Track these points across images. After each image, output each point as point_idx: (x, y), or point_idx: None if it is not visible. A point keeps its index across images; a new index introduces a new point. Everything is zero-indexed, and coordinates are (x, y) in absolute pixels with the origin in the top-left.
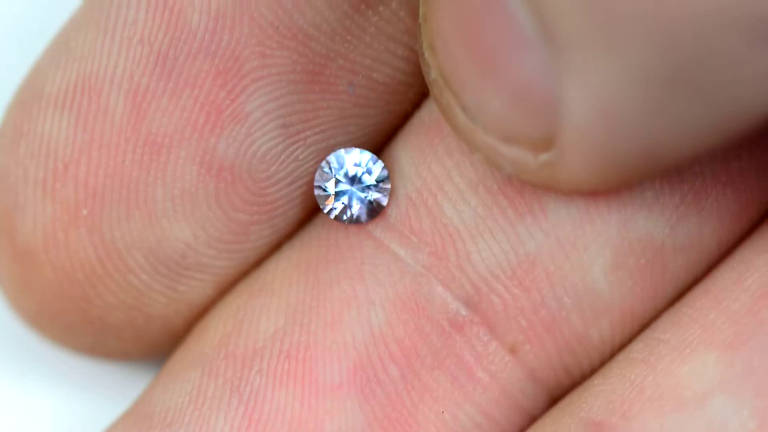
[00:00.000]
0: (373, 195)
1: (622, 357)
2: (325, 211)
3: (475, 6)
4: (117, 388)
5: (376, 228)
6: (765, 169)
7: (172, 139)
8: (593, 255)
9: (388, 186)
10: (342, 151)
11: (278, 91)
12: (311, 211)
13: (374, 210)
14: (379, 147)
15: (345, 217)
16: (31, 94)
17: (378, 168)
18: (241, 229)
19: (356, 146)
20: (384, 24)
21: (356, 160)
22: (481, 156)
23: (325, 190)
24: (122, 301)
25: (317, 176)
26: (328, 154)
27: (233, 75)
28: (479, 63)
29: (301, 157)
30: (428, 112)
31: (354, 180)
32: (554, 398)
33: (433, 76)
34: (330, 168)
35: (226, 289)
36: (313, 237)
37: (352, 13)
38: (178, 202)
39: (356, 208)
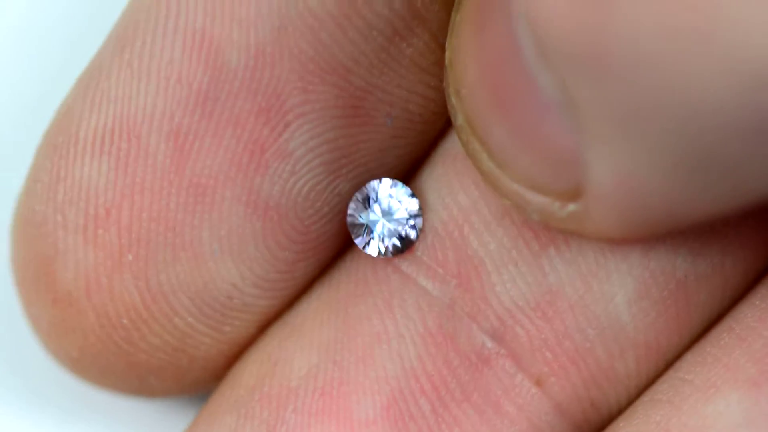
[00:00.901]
0: (405, 229)
1: (647, 398)
2: (356, 240)
3: (496, 61)
4: (155, 427)
5: (403, 262)
6: None
7: (217, 180)
8: (615, 285)
9: (420, 221)
10: (375, 181)
11: (321, 127)
12: (347, 241)
13: (404, 245)
14: (409, 176)
15: (374, 251)
16: (64, 137)
17: (411, 202)
18: (287, 268)
19: (391, 177)
20: (417, 56)
21: (389, 191)
22: (507, 201)
23: (357, 220)
24: (167, 343)
25: (351, 206)
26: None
27: (276, 112)
28: (503, 116)
29: (343, 191)
30: (453, 143)
31: (386, 212)
32: None
33: (459, 122)
34: (363, 199)
35: (268, 326)
36: (342, 274)
37: (387, 45)
38: (225, 244)
39: (387, 242)
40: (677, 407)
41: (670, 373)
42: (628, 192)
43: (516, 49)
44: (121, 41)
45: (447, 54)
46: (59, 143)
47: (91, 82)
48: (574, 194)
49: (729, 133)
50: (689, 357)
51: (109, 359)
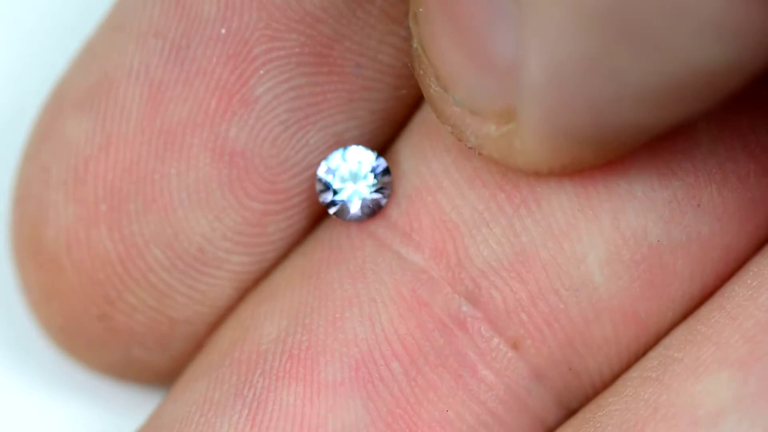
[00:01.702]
0: (374, 194)
1: (635, 374)
2: (324, 204)
3: None
4: (135, 406)
5: (378, 227)
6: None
7: (186, 128)
8: (587, 246)
9: (389, 185)
10: (348, 148)
11: (287, 74)
12: (323, 212)
13: (374, 209)
14: (388, 139)
15: (345, 215)
16: (54, 100)
17: (380, 167)
18: (256, 220)
19: (366, 135)
20: (388, 6)
21: (359, 157)
22: (448, 127)
23: (327, 186)
24: (144, 302)
25: (319, 171)
26: (338, 141)
27: (243, 59)
28: (454, 32)
29: (311, 141)
30: (428, 111)
31: (356, 178)
32: (563, 403)
33: (414, 45)
34: (333, 164)
35: (246, 290)
36: (317, 240)
37: None
38: (193, 191)
39: (356, 206)
40: (666, 385)
41: (660, 350)
42: (554, 88)
43: None
44: (113, 12)
45: None
46: (48, 106)
47: (84, 48)
48: (509, 113)
49: None
50: (679, 334)
51: (91, 325)
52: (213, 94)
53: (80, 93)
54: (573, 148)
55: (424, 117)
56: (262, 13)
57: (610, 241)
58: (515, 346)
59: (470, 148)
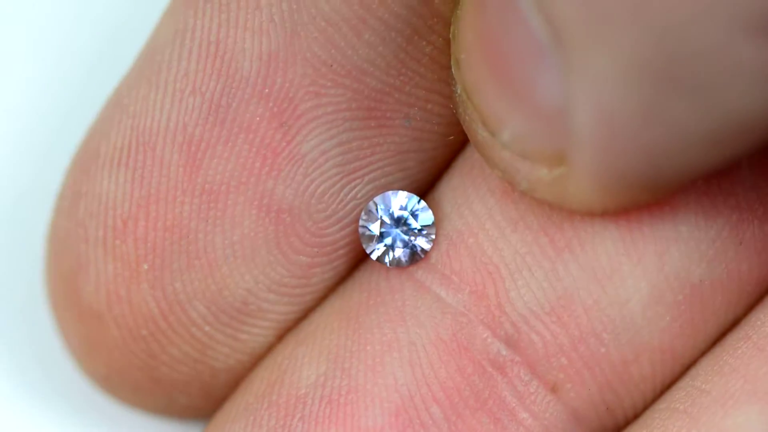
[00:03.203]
0: (418, 240)
1: (663, 406)
2: (368, 251)
3: (495, 22)
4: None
5: (417, 270)
6: None
7: (229, 186)
8: (630, 289)
9: (433, 231)
10: (389, 193)
11: (334, 130)
12: (364, 252)
13: (417, 254)
14: (433, 182)
15: (387, 260)
16: (88, 155)
17: (424, 212)
18: (302, 273)
19: (413, 183)
20: (437, 53)
21: (403, 203)
22: (498, 172)
23: (369, 231)
24: (187, 355)
25: (363, 216)
26: (386, 189)
27: (288, 117)
28: (498, 77)
29: (359, 195)
30: (470, 152)
31: (399, 222)
32: None
33: (458, 91)
34: (376, 209)
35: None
36: (355, 283)
37: (406, 45)
38: (238, 248)
39: (399, 252)
40: (695, 418)
41: (687, 381)
42: (606, 134)
43: (511, 2)
44: (143, 58)
45: (452, 29)
46: (83, 160)
47: (115, 101)
48: (560, 159)
49: (701, 29)
50: (706, 365)
51: (135, 375)
52: (257, 152)
53: (114, 149)
54: (627, 190)
55: (466, 158)
56: (308, 69)
57: (654, 283)
58: (554, 389)
59: (522, 191)
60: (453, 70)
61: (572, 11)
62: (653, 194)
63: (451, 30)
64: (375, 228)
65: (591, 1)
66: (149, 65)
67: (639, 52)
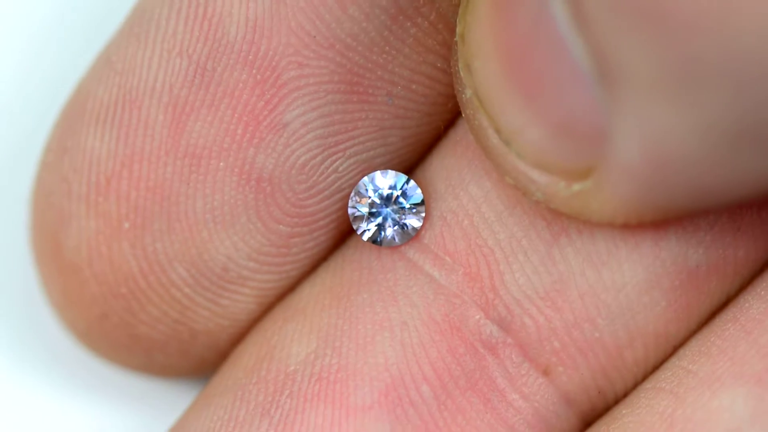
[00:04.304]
0: (408, 218)
1: (649, 386)
2: (359, 232)
3: (523, 33)
4: (160, 409)
5: (410, 249)
6: None
7: (211, 151)
8: (627, 275)
9: (423, 209)
10: (378, 173)
11: (316, 101)
12: (350, 228)
13: (408, 233)
14: (417, 161)
15: (378, 239)
16: (74, 110)
17: (413, 191)
18: (282, 242)
19: (396, 159)
20: (422, 36)
21: (392, 182)
22: (510, 180)
23: (359, 211)
24: (166, 315)
25: (352, 197)
26: (369, 166)
27: (271, 85)
28: (521, 89)
29: (340, 168)
30: (464, 132)
31: (389, 202)
32: (587, 422)
33: (467, 95)
34: (365, 189)
35: (270, 305)
36: (346, 260)
37: (391, 23)
38: (218, 214)
39: (390, 231)
40: (681, 398)
41: (674, 361)
42: (655, 166)
43: (544, 17)
44: (133, 16)
45: (458, 29)
46: (69, 115)
47: (104, 57)
48: (583, 173)
49: None
50: (693, 346)
51: (113, 331)
52: (240, 119)
53: (101, 106)
54: (658, 210)
55: (458, 139)
56: (291, 39)
57: (650, 269)
58: (546, 372)
59: (535, 201)
60: (462, 73)
61: (637, 62)
62: (682, 215)
63: (458, 31)
64: (365, 208)
65: (673, 65)
66: (139, 23)
67: (726, 120)
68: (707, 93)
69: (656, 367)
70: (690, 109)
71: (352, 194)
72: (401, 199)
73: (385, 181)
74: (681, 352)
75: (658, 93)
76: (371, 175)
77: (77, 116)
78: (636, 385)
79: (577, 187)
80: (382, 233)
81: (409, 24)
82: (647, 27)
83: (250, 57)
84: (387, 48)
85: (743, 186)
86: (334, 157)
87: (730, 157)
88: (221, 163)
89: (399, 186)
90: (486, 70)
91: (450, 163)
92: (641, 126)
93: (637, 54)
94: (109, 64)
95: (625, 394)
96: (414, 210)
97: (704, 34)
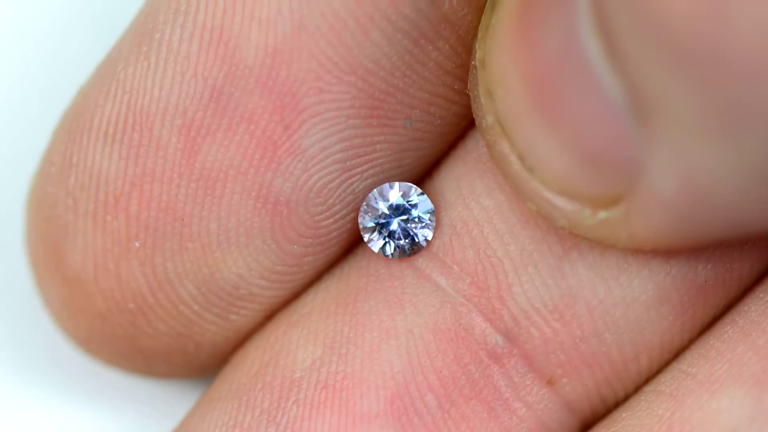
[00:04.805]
0: (419, 228)
1: (649, 389)
2: (369, 243)
3: (550, 61)
4: (160, 409)
5: (418, 257)
6: None
7: (227, 174)
8: (637, 290)
9: (434, 220)
10: (387, 184)
11: (336, 127)
12: (358, 238)
13: (419, 245)
14: (429, 172)
15: (389, 251)
16: (79, 123)
17: (423, 201)
18: (294, 261)
19: (409, 177)
20: (443, 59)
21: (401, 193)
22: (533, 206)
23: (369, 222)
24: (173, 329)
25: (363, 208)
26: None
27: (290, 111)
28: (548, 117)
29: (357, 189)
30: (476, 144)
31: (398, 212)
32: (586, 425)
33: (489, 122)
34: (375, 201)
35: (275, 314)
36: (353, 267)
37: (413, 48)
38: (233, 236)
39: (400, 241)
40: (680, 401)
41: (674, 365)
42: (693, 200)
43: (573, 46)
44: (140, 33)
45: (478, 54)
46: (74, 128)
47: (109, 72)
48: (610, 202)
49: None
50: (693, 350)
51: (116, 342)
52: (258, 144)
53: (108, 123)
54: (688, 241)
55: (469, 150)
56: (313, 65)
57: (660, 285)
58: (550, 382)
59: (560, 227)
60: (483, 100)
61: (677, 101)
62: (713, 244)
63: (478, 57)
64: (375, 219)
65: (714, 105)
66: (148, 42)
67: (757, 150)
68: (751, 135)
69: (658, 374)
70: (732, 150)
71: (363, 206)
72: (411, 210)
73: (394, 192)
74: (681, 356)
75: (698, 131)
76: (381, 187)
77: (83, 130)
78: (636, 390)
79: (603, 215)
80: (392, 244)
81: (430, 48)
82: (689, 66)
83: (270, 83)
84: (408, 72)
85: None
86: (351, 180)
87: (762, 184)
88: (237, 187)
89: (409, 196)
90: (509, 98)
91: (461, 173)
92: (679, 160)
93: (676, 92)
94: (116, 80)
95: (626, 399)
96: (425, 220)
97: (751, 77)
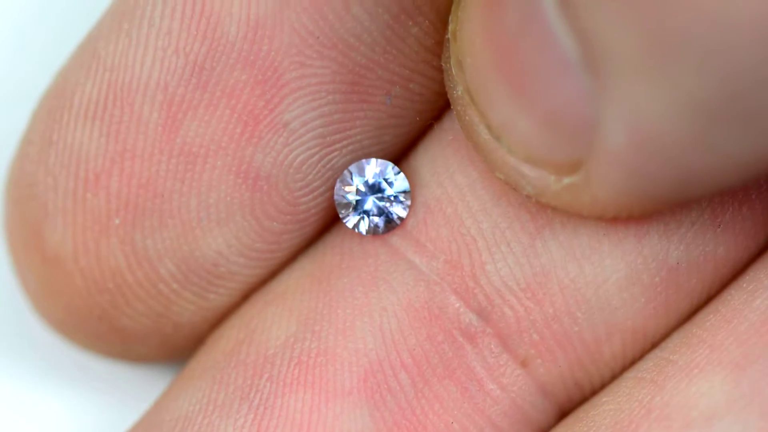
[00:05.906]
0: (394, 207)
1: (630, 375)
2: (344, 219)
3: (513, 27)
4: (135, 392)
5: (392, 236)
6: None
7: (208, 150)
8: (608, 269)
9: (409, 198)
10: (364, 161)
11: (317, 101)
12: (335, 217)
13: (393, 221)
14: (406, 151)
15: (363, 228)
16: (59, 101)
17: (400, 179)
18: (273, 238)
19: (388, 154)
20: (423, 35)
21: (377, 170)
22: (501, 175)
23: (344, 199)
24: (151, 309)
25: (338, 184)
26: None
27: (271, 85)
28: (511, 83)
29: (336, 165)
30: (451, 123)
31: (374, 190)
32: (563, 412)
33: (458, 92)
34: (351, 177)
35: (252, 292)
36: (328, 245)
37: (393, 23)
38: (213, 212)
39: (374, 219)
40: (660, 386)
41: (655, 353)
42: (641, 151)
43: (534, 10)
44: (121, 11)
45: (451, 27)
46: (54, 107)
47: (89, 49)
48: (573, 167)
49: (763, 71)
50: (675, 338)
51: (94, 322)
52: (239, 119)
53: (89, 101)
54: (647, 202)
55: (445, 128)
56: (294, 39)
57: (632, 265)
58: (524, 363)
59: (527, 196)
60: (453, 70)
61: (620, 44)
62: (672, 205)
63: (450, 29)
64: (350, 196)
65: (649, 41)
66: (129, 19)
67: (699, 91)
68: (679, 66)
69: (633, 362)
70: (667, 87)
71: (338, 182)
72: (386, 187)
73: (370, 169)
74: (663, 344)
75: (639, 74)
76: (357, 163)
77: (63, 109)
78: (613, 378)
79: (567, 180)
80: (367, 221)
81: (410, 23)
82: (627, 4)
83: (251, 57)
84: (388, 47)
85: (727, 169)
86: (330, 156)
87: (710, 135)
88: (218, 162)
89: (385, 174)
90: (476, 66)
91: (435, 152)
92: (626, 111)
93: (619, 34)
94: (97, 58)
95: (602, 386)
96: (399, 199)
97: (673, 3)
